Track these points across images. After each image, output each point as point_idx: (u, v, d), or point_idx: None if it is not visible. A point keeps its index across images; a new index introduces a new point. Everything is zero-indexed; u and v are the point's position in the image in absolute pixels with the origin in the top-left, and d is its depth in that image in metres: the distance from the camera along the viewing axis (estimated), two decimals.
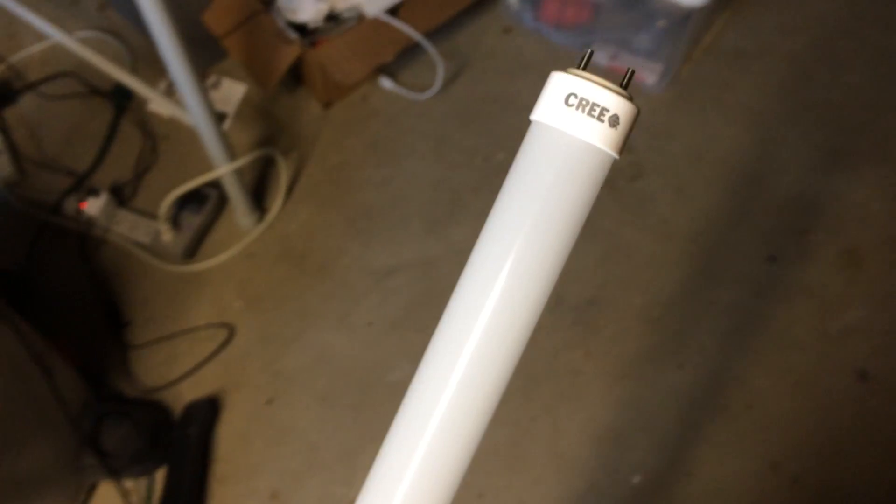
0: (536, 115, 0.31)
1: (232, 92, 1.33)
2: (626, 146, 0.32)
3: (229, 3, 1.21)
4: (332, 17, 1.19)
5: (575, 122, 0.31)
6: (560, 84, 0.31)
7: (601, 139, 0.31)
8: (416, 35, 1.20)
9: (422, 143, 1.30)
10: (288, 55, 1.17)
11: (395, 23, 1.18)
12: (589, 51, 0.33)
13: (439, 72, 1.30)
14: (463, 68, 1.35)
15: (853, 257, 1.17)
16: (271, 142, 1.31)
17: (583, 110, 0.31)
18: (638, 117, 0.32)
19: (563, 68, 0.32)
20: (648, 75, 1.29)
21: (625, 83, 0.32)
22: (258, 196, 1.26)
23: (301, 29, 1.20)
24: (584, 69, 0.32)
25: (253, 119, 1.32)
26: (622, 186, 1.24)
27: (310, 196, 1.27)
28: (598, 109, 0.31)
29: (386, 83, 1.32)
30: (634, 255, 1.19)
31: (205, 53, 1.30)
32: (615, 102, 0.31)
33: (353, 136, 1.31)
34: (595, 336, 1.13)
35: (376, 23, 1.18)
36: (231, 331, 1.15)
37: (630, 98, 0.31)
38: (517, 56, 1.36)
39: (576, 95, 0.31)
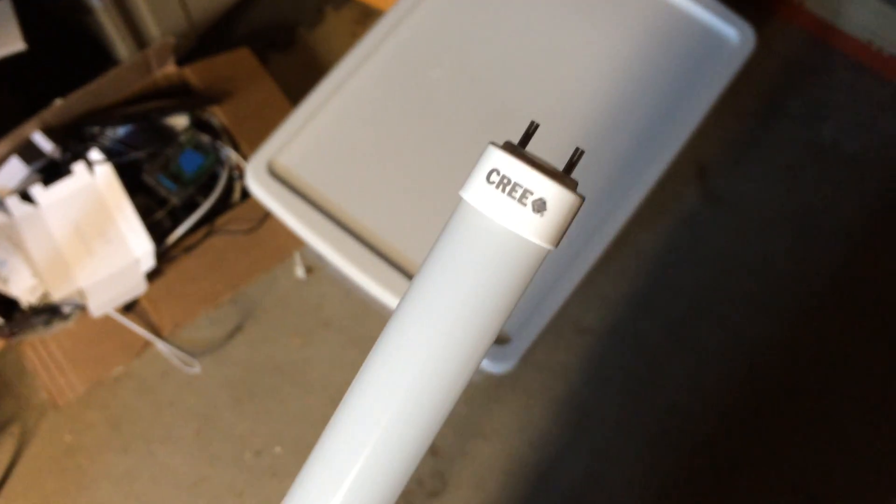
0: (462, 190, 0.29)
1: None
2: (563, 236, 0.28)
3: None
4: (49, 308, 0.90)
5: (493, 203, 0.27)
6: (487, 158, 0.28)
7: (520, 225, 0.27)
8: (156, 341, 0.93)
9: (182, 423, 1.05)
10: None
11: (128, 323, 0.90)
12: (533, 123, 0.29)
13: (196, 368, 1.04)
14: (247, 319, 1.09)
15: None
16: None
17: (503, 190, 0.27)
18: (581, 207, 0.28)
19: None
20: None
21: (569, 166, 0.29)
22: None
23: (12, 306, 0.91)
24: (524, 144, 0.29)
25: None
26: None
27: (29, 491, 1.01)
28: (520, 190, 0.27)
29: None
30: None
31: None
32: (542, 185, 0.27)
33: (95, 408, 1.04)
34: None
35: (104, 321, 0.90)
36: None
37: (567, 183, 0.27)
38: (315, 309, 1.10)
39: (498, 172, 0.27)
